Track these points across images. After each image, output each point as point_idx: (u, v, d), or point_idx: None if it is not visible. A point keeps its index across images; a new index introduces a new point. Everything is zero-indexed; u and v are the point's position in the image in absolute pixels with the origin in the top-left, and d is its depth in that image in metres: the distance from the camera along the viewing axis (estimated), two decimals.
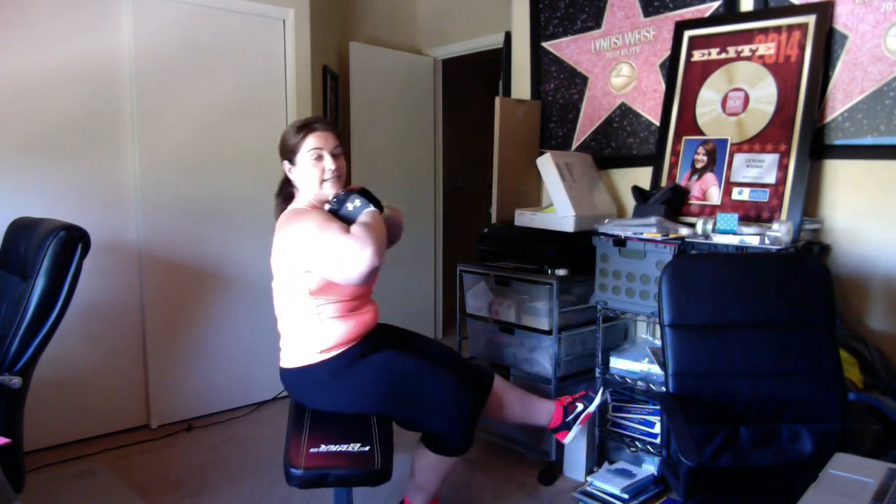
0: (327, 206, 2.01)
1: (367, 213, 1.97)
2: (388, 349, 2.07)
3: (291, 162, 2.05)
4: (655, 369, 2.44)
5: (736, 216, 2.26)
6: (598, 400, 2.34)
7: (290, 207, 2.06)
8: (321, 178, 2.01)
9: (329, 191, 2.02)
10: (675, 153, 2.69)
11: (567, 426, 2.32)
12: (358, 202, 1.98)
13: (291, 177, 2.08)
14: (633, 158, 2.94)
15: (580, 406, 2.33)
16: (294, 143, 2.03)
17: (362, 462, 1.72)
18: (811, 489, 1.20)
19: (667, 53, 2.79)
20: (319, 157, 2.01)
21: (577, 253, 2.66)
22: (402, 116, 4.39)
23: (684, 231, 2.40)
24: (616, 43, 2.98)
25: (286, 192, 2.15)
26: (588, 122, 3.11)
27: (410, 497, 2.20)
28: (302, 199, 2.06)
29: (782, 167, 2.38)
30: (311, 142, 2.02)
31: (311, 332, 1.98)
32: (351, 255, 1.80)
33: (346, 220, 1.96)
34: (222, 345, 3.40)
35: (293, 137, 2.04)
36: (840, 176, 2.36)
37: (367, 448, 1.77)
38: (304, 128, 2.04)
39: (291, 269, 1.95)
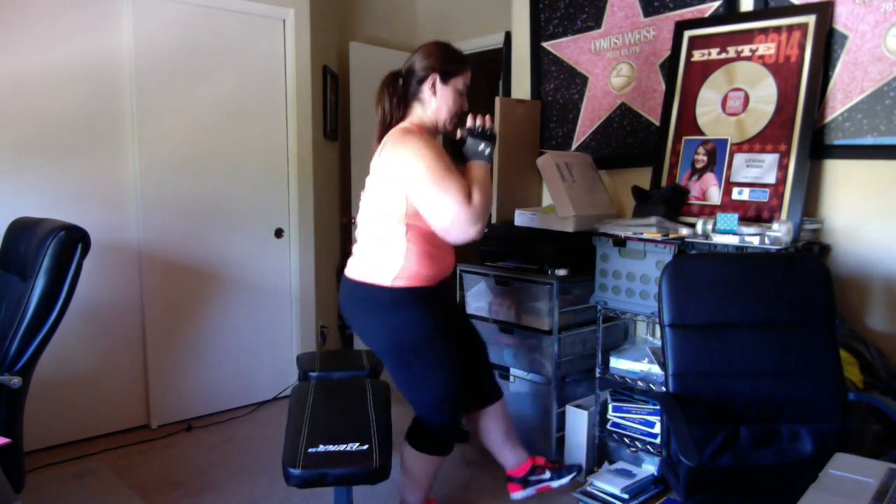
0: (465, 129, 2.03)
1: (486, 166, 2.00)
2: (443, 312, 2.08)
3: (443, 79, 2.01)
4: (655, 369, 2.44)
5: (736, 216, 2.26)
6: (565, 480, 2.35)
7: (404, 125, 2.01)
8: (456, 112, 2.03)
9: (450, 127, 2.05)
10: (675, 153, 2.69)
11: (525, 483, 2.34)
12: (489, 151, 2.01)
13: (428, 91, 2.01)
14: (633, 158, 2.94)
15: (547, 475, 2.35)
16: (456, 67, 2.02)
17: (361, 461, 1.72)
18: (811, 489, 1.20)
19: (667, 53, 2.79)
20: (462, 94, 2.04)
21: (577, 253, 2.66)
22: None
23: (684, 231, 2.40)
24: (616, 43, 2.98)
25: (402, 96, 2.05)
26: (588, 122, 3.11)
27: (404, 497, 2.22)
28: (420, 118, 2.04)
29: (782, 167, 2.38)
30: (467, 76, 2.04)
31: (394, 258, 1.96)
32: (461, 224, 1.87)
33: (468, 149, 2.00)
34: (222, 345, 3.40)
35: (456, 62, 2.02)
36: (840, 176, 2.36)
37: (365, 447, 1.77)
38: (465, 61, 2.05)
39: (393, 190, 1.93)
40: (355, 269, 2.05)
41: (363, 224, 2.06)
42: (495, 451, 2.35)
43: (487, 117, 2.06)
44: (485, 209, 1.91)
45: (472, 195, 1.89)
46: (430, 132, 2.04)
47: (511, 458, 2.34)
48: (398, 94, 2.04)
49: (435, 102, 2.02)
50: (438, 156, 1.89)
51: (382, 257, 1.98)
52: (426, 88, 2.01)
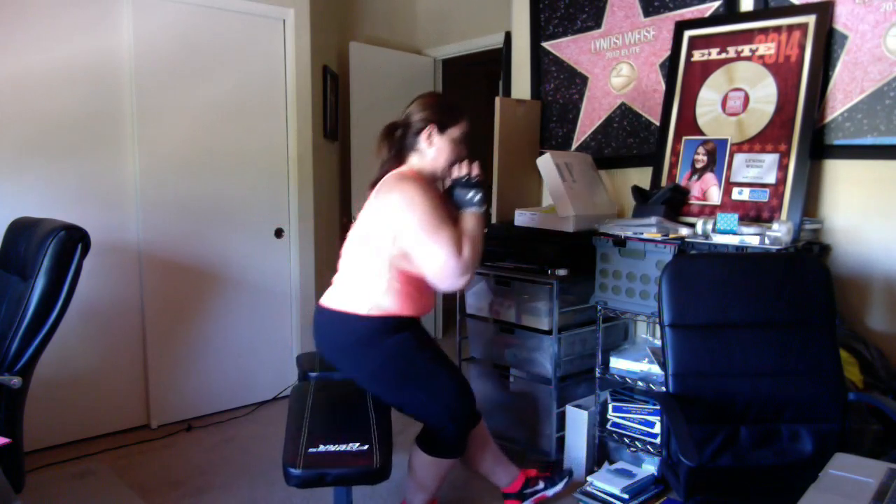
0: (451, 180, 2.07)
1: (477, 215, 2.02)
2: (422, 331, 2.11)
3: (440, 130, 2.04)
4: (655, 369, 2.44)
5: (736, 216, 2.26)
6: (559, 487, 2.38)
7: (402, 170, 2.05)
8: (453, 162, 2.07)
9: (454, 174, 2.08)
10: (675, 153, 2.69)
11: (521, 497, 2.36)
12: (478, 198, 2.04)
13: (425, 142, 2.05)
14: (633, 158, 2.94)
15: (541, 485, 2.37)
16: (452, 119, 2.06)
17: (361, 461, 1.72)
18: (811, 489, 1.20)
19: (667, 53, 2.79)
20: (459, 144, 2.08)
21: (577, 253, 2.66)
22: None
23: (684, 231, 2.40)
24: (616, 43, 2.98)
25: (400, 146, 2.10)
26: (588, 122, 3.11)
27: (409, 499, 2.21)
28: (419, 166, 2.07)
29: (782, 167, 2.38)
30: (464, 126, 2.08)
31: (372, 292, 1.97)
32: (450, 276, 1.90)
33: (457, 199, 2.04)
34: (222, 345, 3.40)
35: (453, 114, 2.07)
36: (840, 176, 2.36)
37: (365, 447, 1.77)
38: (462, 113, 2.09)
39: (382, 231, 1.95)
40: (331, 298, 2.06)
41: (347, 255, 2.07)
42: (487, 473, 2.35)
43: (474, 165, 2.08)
44: (474, 262, 1.95)
45: (462, 248, 1.91)
46: (426, 179, 2.05)
47: (504, 476, 2.35)
48: (395, 145, 2.09)
49: (432, 152, 2.06)
50: (432, 204, 1.92)
51: (362, 288, 1.99)
52: (423, 139, 2.05)
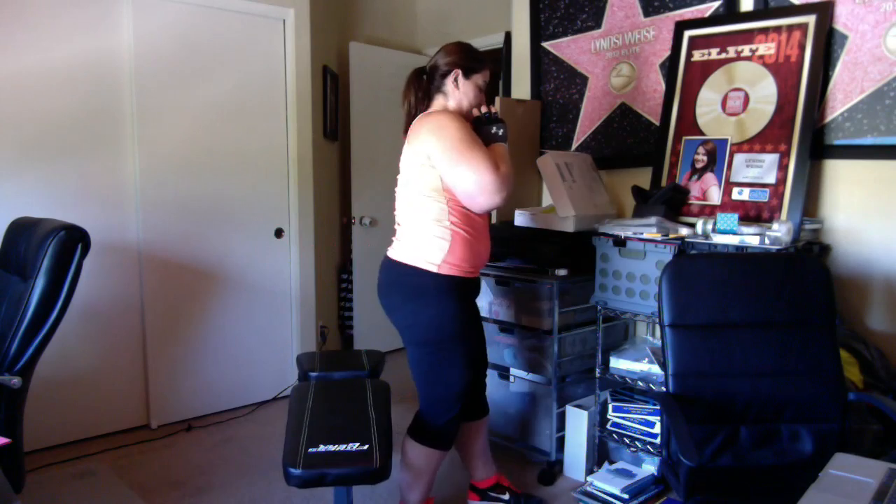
0: (477, 113, 2.16)
1: (503, 146, 2.12)
2: (475, 314, 2.20)
3: (465, 74, 2.11)
4: (655, 369, 2.44)
5: (736, 216, 2.26)
6: None
7: (429, 111, 2.12)
8: (476, 106, 2.16)
9: (474, 114, 2.17)
10: (675, 153, 2.69)
11: (484, 496, 2.42)
12: (502, 132, 2.14)
13: (450, 85, 2.12)
14: (633, 158, 2.94)
15: (506, 496, 2.41)
16: (478, 65, 2.14)
17: (360, 461, 1.72)
18: (811, 489, 1.20)
19: (667, 53, 2.79)
20: (482, 90, 2.15)
21: (577, 253, 2.66)
22: (403, 116, 4.38)
23: (684, 231, 2.40)
24: (616, 43, 2.98)
25: (427, 90, 2.17)
26: (588, 122, 3.11)
27: (405, 496, 2.22)
28: (444, 106, 2.13)
29: (782, 167, 2.38)
30: (487, 75, 2.17)
31: (439, 241, 2.01)
32: (488, 192, 1.96)
33: (481, 135, 2.10)
34: (222, 345, 3.40)
35: (478, 61, 2.15)
36: (840, 176, 2.36)
37: (365, 447, 1.77)
38: (485, 61, 2.17)
39: (425, 166, 2.00)
40: (400, 252, 2.09)
41: (403, 210, 2.11)
42: (468, 459, 2.41)
43: (491, 106, 2.20)
44: (510, 179, 2.02)
45: (498, 165, 2.00)
46: (453, 112, 2.12)
47: (481, 470, 2.41)
48: (423, 88, 2.17)
49: (458, 95, 2.13)
50: (464, 127, 2.00)
51: (428, 241, 2.02)
52: (449, 82, 2.13)
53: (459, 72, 2.11)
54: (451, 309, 2.04)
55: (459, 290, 2.05)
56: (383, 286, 2.14)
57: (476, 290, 2.21)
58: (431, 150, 1.98)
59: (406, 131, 2.14)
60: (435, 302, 2.03)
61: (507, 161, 2.07)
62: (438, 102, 2.15)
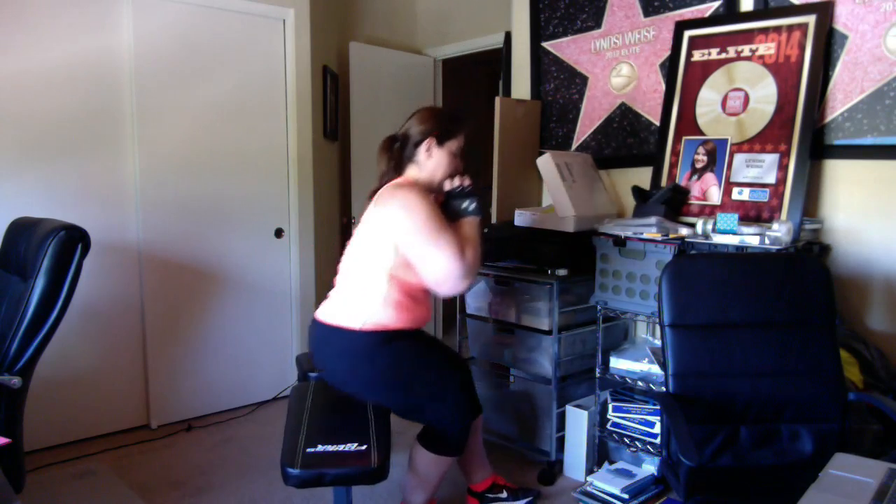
0: (448, 187, 2.11)
1: (474, 223, 2.07)
2: (420, 336, 2.13)
3: (439, 142, 2.06)
4: (655, 369, 2.44)
5: (736, 216, 2.26)
6: (521, 503, 2.39)
7: (399, 181, 2.06)
8: (450, 175, 2.10)
9: (446, 187, 2.11)
10: (675, 153, 2.68)
11: (482, 499, 2.38)
12: (474, 206, 2.09)
13: (423, 154, 2.07)
14: (633, 158, 2.94)
15: (504, 494, 2.39)
16: (454, 128, 2.08)
17: (359, 461, 1.72)
18: (811, 489, 1.20)
19: (667, 53, 2.79)
20: (456, 157, 2.10)
21: (577, 253, 2.66)
22: (402, 116, 4.31)
23: (684, 231, 2.39)
24: (616, 43, 2.98)
25: (399, 158, 2.11)
26: (588, 122, 3.11)
27: (408, 498, 2.21)
28: (415, 177, 2.08)
29: (782, 167, 2.38)
30: (462, 139, 2.10)
31: (368, 306, 1.97)
32: (453, 279, 1.92)
33: (452, 210, 2.07)
34: (222, 345, 3.40)
35: (453, 124, 2.09)
36: (840, 176, 2.36)
37: (364, 447, 1.77)
38: (462, 124, 2.10)
39: (382, 241, 1.95)
40: (326, 312, 2.06)
41: (345, 271, 2.08)
42: (464, 462, 2.36)
43: (465, 178, 2.13)
44: (475, 265, 1.98)
45: (464, 251, 1.94)
46: (423, 187, 2.06)
47: (476, 474, 2.38)
48: (395, 157, 2.11)
49: (430, 164, 2.08)
50: (432, 209, 1.93)
51: (357, 302, 1.99)
52: (422, 151, 2.07)
53: (433, 140, 2.06)
54: (392, 354, 1.99)
55: (392, 338, 1.99)
56: (316, 350, 2.08)
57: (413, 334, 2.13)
58: (399, 233, 1.92)
59: (372, 195, 2.08)
60: (369, 360, 1.98)
61: (474, 242, 2.01)
62: (411, 172, 2.10)
